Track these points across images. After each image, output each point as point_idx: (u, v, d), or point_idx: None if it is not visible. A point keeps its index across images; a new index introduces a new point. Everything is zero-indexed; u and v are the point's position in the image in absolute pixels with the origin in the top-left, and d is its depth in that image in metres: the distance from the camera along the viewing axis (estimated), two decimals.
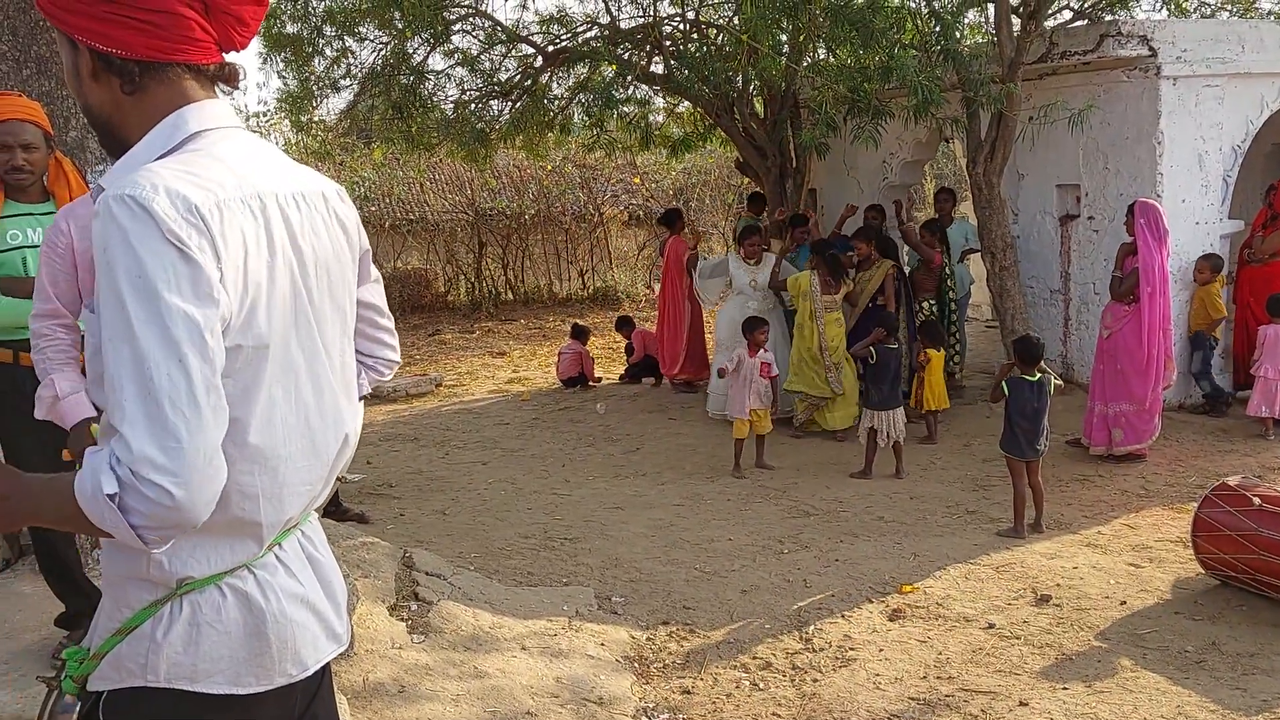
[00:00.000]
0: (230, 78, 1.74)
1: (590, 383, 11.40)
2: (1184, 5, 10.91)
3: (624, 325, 12.24)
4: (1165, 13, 10.82)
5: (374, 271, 1.99)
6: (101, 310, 1.47)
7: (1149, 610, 5.07)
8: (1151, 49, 8.40)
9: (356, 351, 1.99)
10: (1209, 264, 8.54)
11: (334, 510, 6.58)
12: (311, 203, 1.75)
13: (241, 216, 1.58)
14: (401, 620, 4.71)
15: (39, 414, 3.19)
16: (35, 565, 4.16)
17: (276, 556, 1.72)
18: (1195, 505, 5.34)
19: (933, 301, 9.10)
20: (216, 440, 1.46)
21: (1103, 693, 4.28)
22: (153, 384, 1.41)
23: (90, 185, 4.00)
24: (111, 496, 1.41)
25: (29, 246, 3.60)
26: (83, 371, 3.22)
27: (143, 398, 1.41)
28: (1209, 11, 11.07)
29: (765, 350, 8.02)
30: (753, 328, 8.08)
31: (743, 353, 7.96)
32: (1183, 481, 7.02)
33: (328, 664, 1.87)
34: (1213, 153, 8.67)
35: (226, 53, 1.71)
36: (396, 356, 2.08)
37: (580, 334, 11.79)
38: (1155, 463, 7.44)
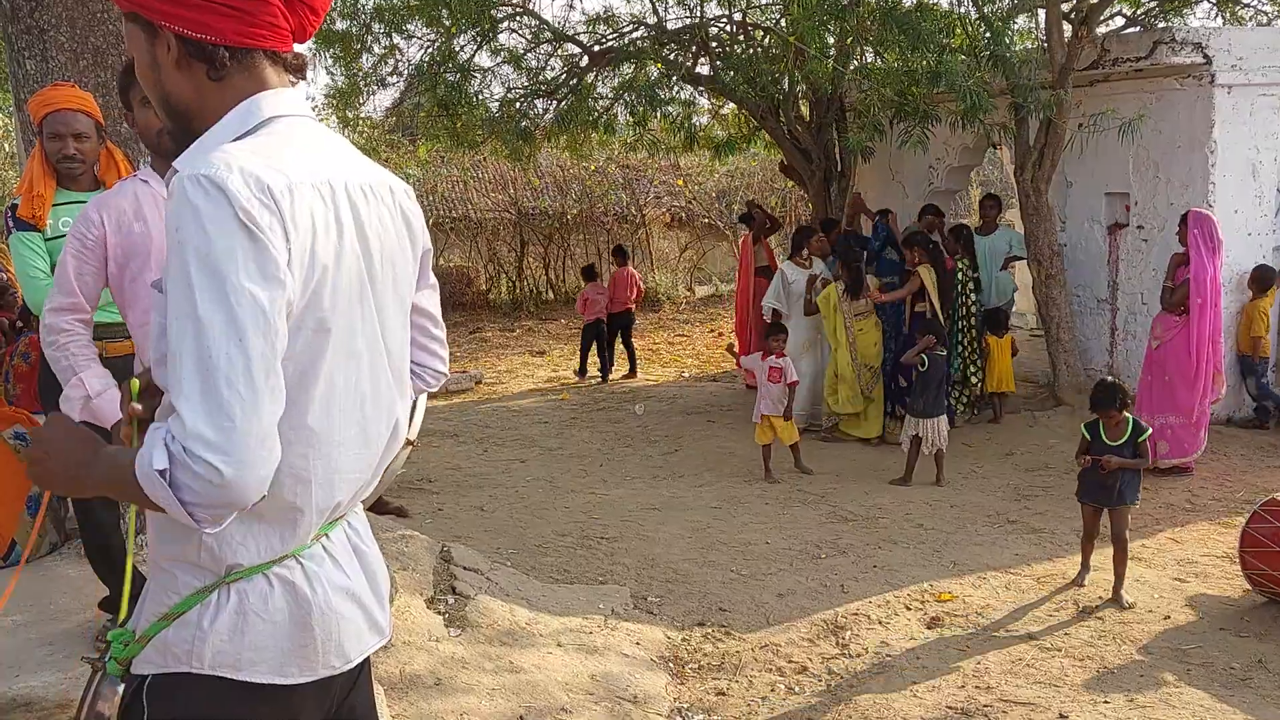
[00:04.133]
0: (300, 68, 1.75)
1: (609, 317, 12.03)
2: (1240, 13, 10.74)
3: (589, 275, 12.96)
4: (1220, 20, 10.66)
5: (431, 277, 1.98)
6: (169, 288, 1.48)
7: (1193, 625, 4.98)
8: (1206, 57, 8.28)
9: None
10: (1258, 279, 8.40)
11: (374, 504, 6.61)
12: (379, 195, 1.76)
13: (312, 200, 1.58)
14: (439, 613, 4.73)
15: (73, 416, 2.91)
16: (80, 549, 4.22)
17: (324, 547, 1.72)
18: (1243, 520, 5.25)
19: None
20: (271, 423, 1.46)
21: (1145, 707, 4.21)
22: (212, 362, 1.42)
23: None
24: (162, 472, 1.42)
25: None
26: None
27: (200, 375, 1.42)
28: (1266, 20, 10.88)
29: (779, 357, 7.93)
30: (770, 334, 8.14)
31: (756, 357, 8.01)
32: (1230, 496, 6.90)
33: (368, 655, 1.87)
34: (1267, 163, 8.53)
35: (300, 41, 1.73)
36: (445, 369, 2.07)
37: (591, 275, 12.73)
38: (1202, 477, 7.32)
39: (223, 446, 1.41)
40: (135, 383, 1.72)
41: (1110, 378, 5.65)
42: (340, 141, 1.78)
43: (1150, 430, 5.44)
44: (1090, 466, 5.35)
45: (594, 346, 12.07)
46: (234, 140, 1.60)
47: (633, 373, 12.11)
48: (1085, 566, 5.57)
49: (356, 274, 1.67)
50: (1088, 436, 5.43)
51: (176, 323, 1.45)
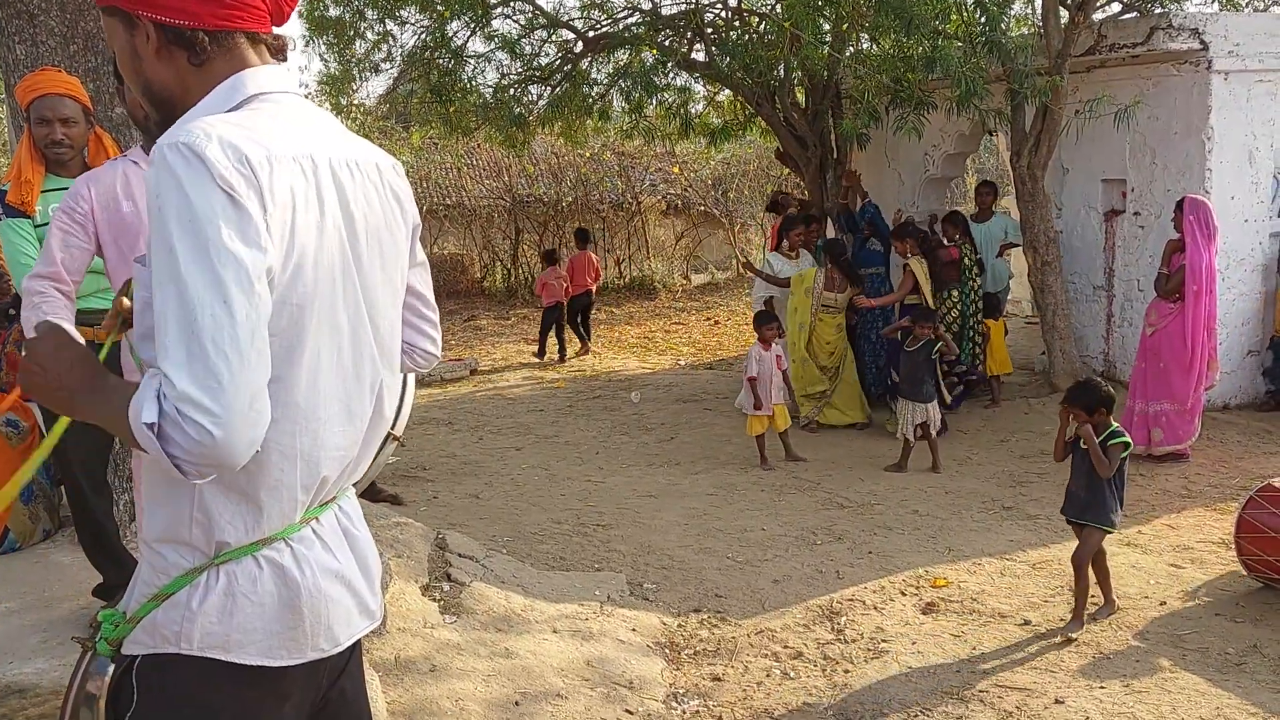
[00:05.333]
0: (280, 49, 1.75)
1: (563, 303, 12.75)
2: None
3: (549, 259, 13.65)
4: (1217, 6, 10.63)
5: (420, 254, 1.98)
6: (152, 255, 1.48)
7: (1189, 611, 4.98)
8: (1203, 42, 8.25)
9: None
10: None
11: (368, 491, 6.61)
12: (365, 170, 1.75)
13: (292, 173, 1.58)
14: (434, 600, 4.72)
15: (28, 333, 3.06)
16: (74, 536, 4.21)
17: (313, 530, 1.72)
18: (1239, 506, 5.25)
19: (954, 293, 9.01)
20: (259, 383, 1.46)
21: (1140, 693, 4.21)
22: (197, 324, 1.42)
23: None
24: (150, 425, 1.41)
25: None
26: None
27: (186, 338, 1.42)
28: (1263, 5, 10.86)
29: (777, 343, 7.96)
30: (762, 322, 8.02)
31: (759, 350, 7.88)
32: (1226, 482, 6.90)
33: (358, 640, 1.86)
34: (1263, 149, 8.50)
35: (279, 22, 1.73)
36: (436, 350, 2.06)
37: (552, 259, 13.39)
38: (1198, 463, 7.32)
39: (211, 409, 1.40)
40: (133, 282, 1.72)
41: (1096, 378, 5.18)
42: (326, 118, 1.77)
43: (1130, 447, 4.88)
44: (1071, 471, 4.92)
45: (556, 328, 12.74)
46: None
47: (585, 350, 12.86)
48: (1078, 614, 4.79)
49: (339, 250, 1.66)
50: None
51: (160, 288, 1.45)
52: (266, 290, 1.49)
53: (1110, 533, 4.87)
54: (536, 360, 12.58)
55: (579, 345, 12.91)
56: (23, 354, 1.65)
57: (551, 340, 12.64)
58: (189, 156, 1.47)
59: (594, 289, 13.18)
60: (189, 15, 1.61)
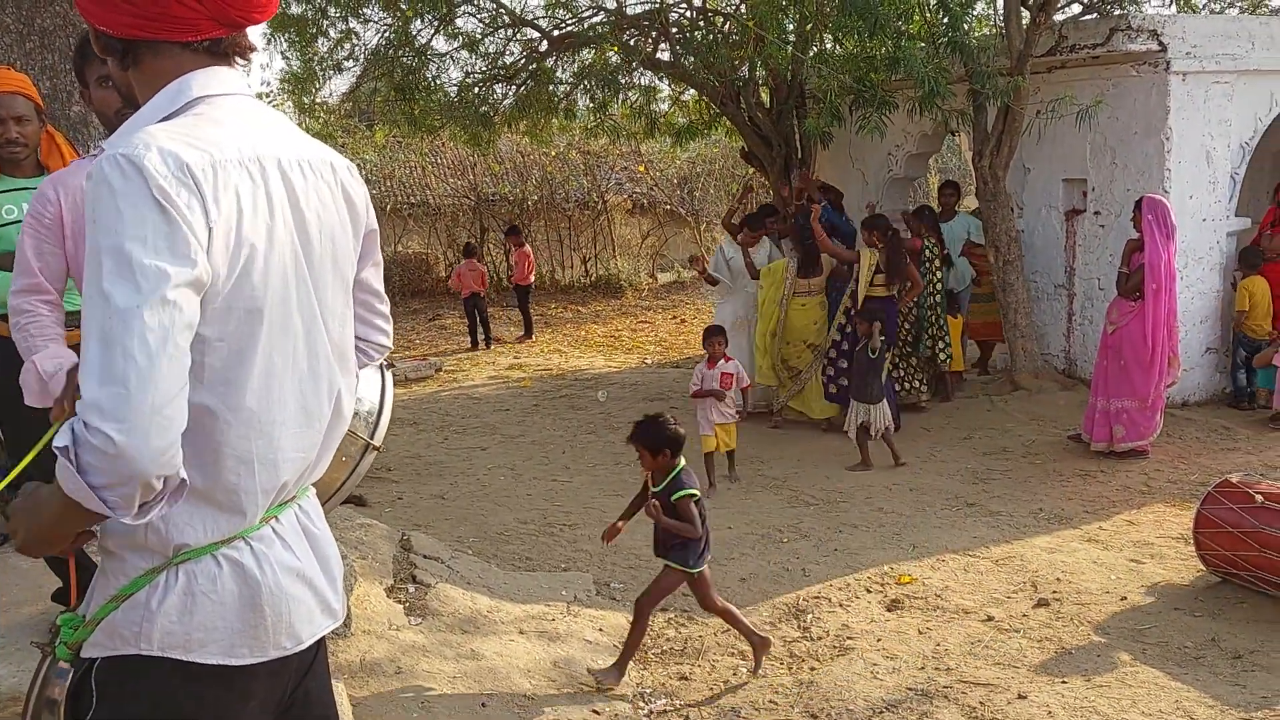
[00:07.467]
0: (239, 51, 1.72)
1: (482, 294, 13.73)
2: (1194, 1, 10.86)
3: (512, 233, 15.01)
4: (1175, 8, 10.78)
5: (377, 254, 1.98)
6: (84, 267, 1.48)
7: (1149, 606, 5.05)
8: (1161, 44, 8.36)
9: None
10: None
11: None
12: (318, 171, 1.75)
13: (238, 178, 1.57)
14: (399, 602, 4.69)
15: (29, 400, 2.92)
16: None
17: (273, 529, 1.71)
18: (1197, 502, 5.32)
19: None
20: (169, 390, 1.43)
21: (1101, 687, 4.26)
22: (111, 334, 1.41)
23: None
24: (64, 450, 1.40)
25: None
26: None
27: (101, 347, 1.41)
28: (1219, 7, 11.02)
29: (726, 360, 7.30)
30: (708, 336, 7.39)
31: (701, 367, 7.36)
32: (1185, 478, 7.00)
33: (323, 641, 1.86)
34: (1221, 149, 8.63)
35: (232, 28, 1.69)
36: (389, 342, 2.07)
37: (470, 252, 14.30)
38: (1158, 459, 7.41)
39: (115, 413, 1.39)
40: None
41: (664, 416, 4.68)
42: (278, 118, 1.76)
43: (693, 493, 4.43)
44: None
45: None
46: (164, 119, 1.60)
47: (528, 335, 13.85)
48: (620, 662, 4.31)
49: (290, 251, 1.66)
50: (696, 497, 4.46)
51: (87, 300, 1.45)
52: (190, 300, 1.48)
53: (691, 575, 4.37)
54: (473, 350, 13.22)
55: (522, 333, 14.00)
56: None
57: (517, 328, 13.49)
58: (126, 168, 1.47)
59: (531, 280, 14.51)
60: (105, 23, 1.63)
